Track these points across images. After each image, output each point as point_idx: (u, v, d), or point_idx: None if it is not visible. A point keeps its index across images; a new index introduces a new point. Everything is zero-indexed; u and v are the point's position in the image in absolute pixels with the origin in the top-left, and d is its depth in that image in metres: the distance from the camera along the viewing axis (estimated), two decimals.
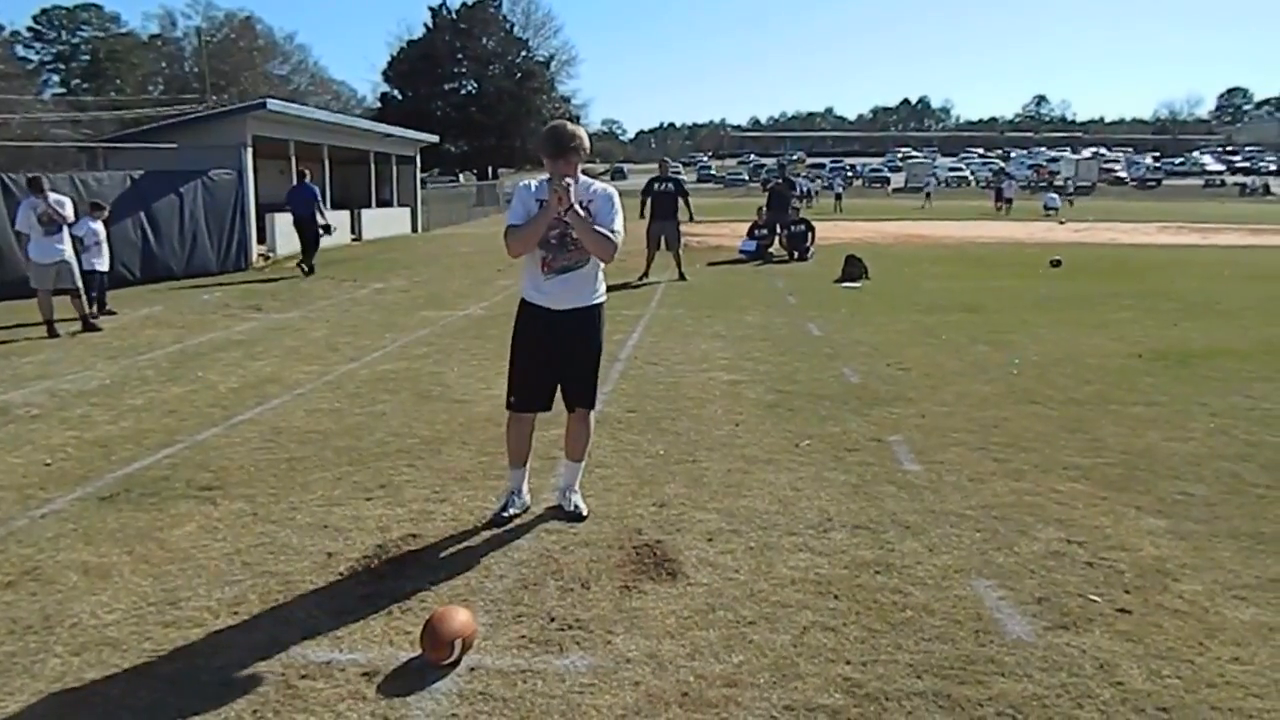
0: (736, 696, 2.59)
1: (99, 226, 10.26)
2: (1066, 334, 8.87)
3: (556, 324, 3.81)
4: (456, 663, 2.75)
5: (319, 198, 15.15)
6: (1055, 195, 41.53)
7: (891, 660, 2.78)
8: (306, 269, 14.87)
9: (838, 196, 42.38)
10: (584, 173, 3.78)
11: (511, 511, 3.96)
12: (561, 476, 4.16)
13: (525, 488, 4.07)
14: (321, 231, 15.14)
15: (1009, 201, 40.10)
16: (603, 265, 3.85)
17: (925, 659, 2.79)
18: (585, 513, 3.98)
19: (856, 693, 2.60)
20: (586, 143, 3.67)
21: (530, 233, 3.69)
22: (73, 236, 9.51)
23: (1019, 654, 2.82)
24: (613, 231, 3.71)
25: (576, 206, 3.59)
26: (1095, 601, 3.18)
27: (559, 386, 3.92)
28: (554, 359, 3.85)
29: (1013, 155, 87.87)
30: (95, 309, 9.84)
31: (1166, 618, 3.06)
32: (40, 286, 9.05)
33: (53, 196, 9.17)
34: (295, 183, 15.31)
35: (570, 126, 3.66)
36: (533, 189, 3.77)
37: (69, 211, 9.29)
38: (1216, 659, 2.79)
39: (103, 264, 10.30)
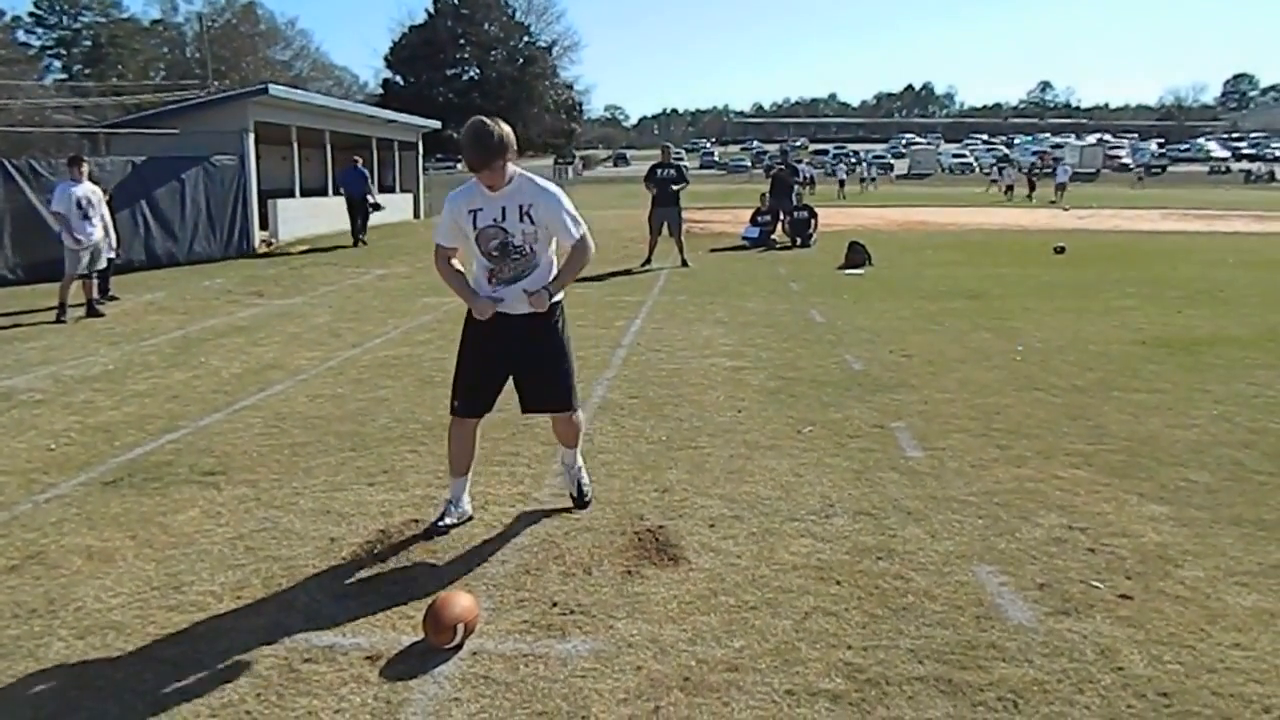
0: (738, 681, 2.60)
1: (105, 212, 10.21)
2: (1069, 321, 8.84)
3: (513, 327, 3.58)
4: (459, 647, 2.76)
5: (368, 180, 18.10)
6: (1067, 167, 41.41)
7: (893, 645, 2.79)
8: (363, 242, 17.47)
9: (841, 183, 42.30)
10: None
11: (449, 521, 3.73)
12: (561, 460, 4.15)
13: (466, 498, 3.85)
14: (371, 209, 17.92)
15: (1010, 188, 40.16)
16: (556, 257, 3.65)
17: (926, 644, 2.79)
18: (589, 492, 3.96)
19: (858, 677, 2.61)
20: (512, 139, 3.32)
21: (455, 290, 3.62)
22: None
23: (1020, 639, 2.82)
24: (574, 237, 3.54)
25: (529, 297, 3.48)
26: (1097, 587, 3.18)
27: (521, 393, 3.74)
28: (507, 363, 3.65)
29: (1017, 141, 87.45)
30: (99, 294, 9.83)
31: (1168, 604, 3.06)
32: (72, 271, 8.98)
33: (87, 185, 9.17)
34: (348, 167, 18.20)
35: (489, 125, 3.26)
36: (460, 199, 3.48)
37: (99, 199, 9.39)
38: (1218, 645, 2.80)
39: (110, 251, 10.26)
